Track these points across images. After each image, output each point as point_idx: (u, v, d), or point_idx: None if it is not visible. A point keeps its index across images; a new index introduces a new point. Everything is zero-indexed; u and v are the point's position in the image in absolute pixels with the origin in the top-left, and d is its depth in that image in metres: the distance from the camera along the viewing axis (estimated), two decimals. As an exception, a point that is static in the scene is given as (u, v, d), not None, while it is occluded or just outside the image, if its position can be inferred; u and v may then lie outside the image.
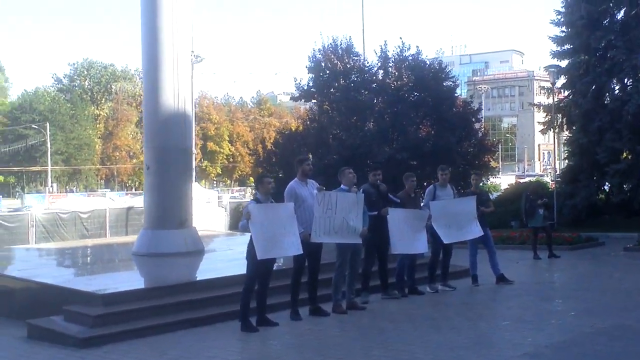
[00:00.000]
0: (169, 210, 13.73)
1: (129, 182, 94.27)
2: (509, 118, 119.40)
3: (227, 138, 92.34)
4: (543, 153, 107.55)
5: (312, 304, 10.02)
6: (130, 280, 10.49)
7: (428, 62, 26.68)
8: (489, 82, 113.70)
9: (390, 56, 26.54)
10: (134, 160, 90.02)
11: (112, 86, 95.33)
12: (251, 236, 8.93)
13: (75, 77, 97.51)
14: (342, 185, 10.36)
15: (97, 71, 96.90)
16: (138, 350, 8.23)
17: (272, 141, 29.78)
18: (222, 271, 11.41)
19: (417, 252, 11.44)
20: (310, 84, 27.00)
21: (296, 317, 9.68)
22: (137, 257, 13.47)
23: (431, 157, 23.28)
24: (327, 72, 26.40)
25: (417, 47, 26.53)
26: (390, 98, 25.25)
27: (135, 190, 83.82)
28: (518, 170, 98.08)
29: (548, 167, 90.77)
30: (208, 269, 12.57)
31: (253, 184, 10.63)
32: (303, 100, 28.65)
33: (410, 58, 26.08)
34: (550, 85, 27.52)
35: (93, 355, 8.06)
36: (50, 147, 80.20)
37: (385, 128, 24.73)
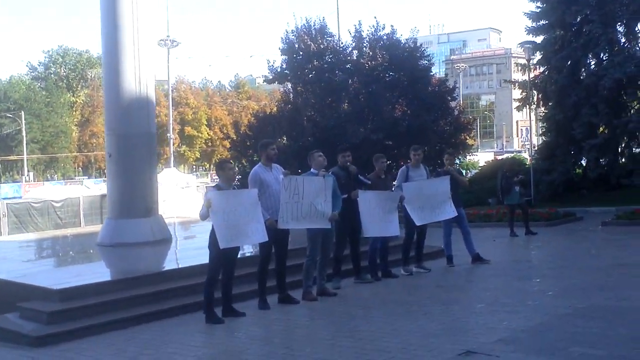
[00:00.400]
0: (133, 198, 13.23)
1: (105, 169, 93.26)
2: (487, 96, 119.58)
3: (205, 122, 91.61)
4: (521, 129, 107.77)
5: (281, 292, 9.66)
6: (91, 273, 10.06)
7: (403, 42, 26.26)
8: (467, 61, 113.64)
9: (364, 36, 26.11)
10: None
11: (88, 73, 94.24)
12: (212, 225, 8.55)
13: (51, 64, 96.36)
14: (312, 169, 9.99)
15: (73, 58, 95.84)
16: (96, 347, 7.82)
17: (246, 124, 29.31)
18: (188, 260, 10.98)
19: (389, 234, 11.10)
20: (284, 66, 26.52)
21: (264, 306, 9.32)
22: (101, 248, 13.02)
23: (407, 137, 22.96)
24: (301, 53, 25.93)
25: (392, 26, 26.16)
26: (365, 78, 24.88)
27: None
28: (497, 147, 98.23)
29: (527, 143, 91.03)
30: (174, 259, 12.20)
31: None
32: (277, 82, 28.17)
33: (384, 37, 25.66)
34: (526, 62, 27.23)
35: (47, 355, 7.66)
36: (26, 136, 79.46)
37: (360, 109, 24.38)
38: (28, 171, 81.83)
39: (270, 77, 26.98)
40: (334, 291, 10.10)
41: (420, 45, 26.49)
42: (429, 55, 26.71)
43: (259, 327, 8.53)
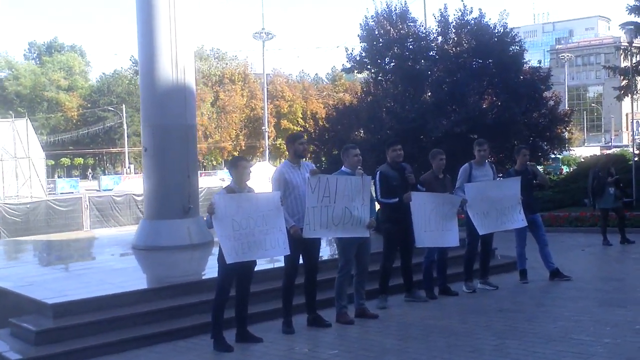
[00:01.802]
0: (168, 197, 12.02)
1: (205, 162, 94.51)
2: (595, 87, 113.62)
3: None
4: (631, 122, 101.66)
5: (310, 313, 8.24)
6: (100, 282, 8.91)
7: (492, 26, 24.19)
8: (573, 51, 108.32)
9: (450, 21, 24.20)
10: (209, 140, 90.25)
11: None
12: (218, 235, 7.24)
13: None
14: (343, 167, 8.52)
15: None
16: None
17: (324, 117, 27.96)
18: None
19: (446, 245, 9.52)
20: (363, 54, 24.97)
21: (288, 330, 7.95)
22: (135, 250, 11.95)
23: (494, 130, 20.96)
24: (381, 40, 24.29)
25: (480, 10, 24.06)
26: (449, 66, 23.00)
27: (209, 170, 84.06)
28: (604, 141, 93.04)
29: (637, 136, 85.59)
30: (204, 267, 10.84)
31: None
32: (356, 71, 26.65)
33: (472, 22, 23.70)
34: (627, 45, 24.51)
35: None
36: (128, 129, 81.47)
37: (443, 99, 22.51)
38: (129, 163, 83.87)
39: (349, 66, 25.48)
40: (375, 313, 8.59)
41: (511, 30, 24.30)
42: (520, 40, 24.43)
43: (277, 358, 7.14)
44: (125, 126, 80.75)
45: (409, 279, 9.43)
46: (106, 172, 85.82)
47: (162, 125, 12.15)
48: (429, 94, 23.40)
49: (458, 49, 23.24)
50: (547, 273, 10.62)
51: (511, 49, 23.90)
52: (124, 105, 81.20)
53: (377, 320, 8.36)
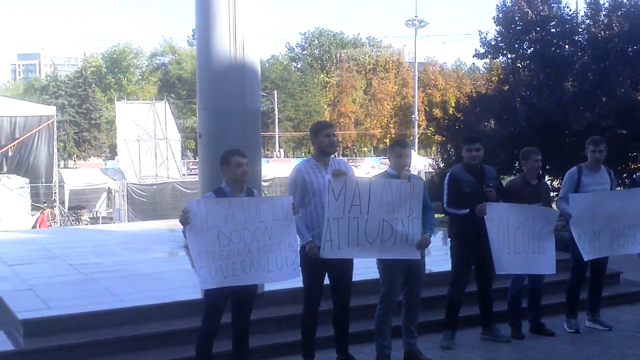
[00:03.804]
0: None
1: (354, 148, 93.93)
2: None
3: (452, 105, 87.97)
4: None
5: (341, 353, 6.47)
6: (104, 294, 7.55)
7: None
8: None
9: (602, 2, 21.18)
10: (360, 127, 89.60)
11: (341, 54, 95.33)
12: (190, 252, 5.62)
13: (307, 45, 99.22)
14: (388, 169, 6.63)
15: (327, 39, 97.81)
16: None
17: (454, 105, 25.69)
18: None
19: (538, 272, 7.41)
20: (499, 38, 22.46)
21: (310, 375, 6.26)
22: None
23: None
24: (520, 23, 21.72)
25: (638, -13, 20.86)
26: (596, 52, 20.07)
27: (356, 157, 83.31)
28: None
29: None
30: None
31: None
32: (489, 57, 24.12)
33: (625, 2, 20.59)
34: None
35: None
36: (280, 114, 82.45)
37: (588, 89, 19.65)
38: (279, 148, 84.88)
39: (482, 52, 23.02)
40: (429, 357, 6.67)
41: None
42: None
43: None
44: (276, 111, 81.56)
45: (487, 311, 7.43)
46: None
47: (217, 109, 10.62)
48: (571, 82, 20.58)
49: (607, 32, 20.23)
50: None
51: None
52: (276, 91, 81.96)
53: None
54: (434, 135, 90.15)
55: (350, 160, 71.28)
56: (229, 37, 10.36)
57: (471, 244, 7.03)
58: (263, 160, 62.99)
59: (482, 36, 22.68)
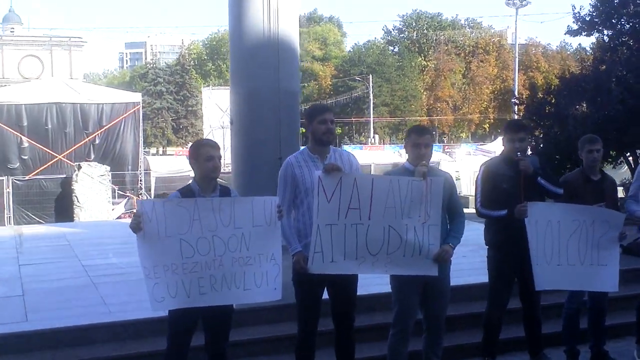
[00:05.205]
0: (256, 183, 9.24)
1: (451, 134, 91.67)
2: None
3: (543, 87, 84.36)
4: None
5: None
6: (98, 303, 6.79)
7: None
8: None
9: None
10: (458, 112, 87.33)
11: (439, 36, 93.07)
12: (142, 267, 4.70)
13: (404, 28, 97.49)
14: (405, 162, 5.49)
15: (425, 22, 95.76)
16: None
17: (543, 87, 23.79)
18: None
19: (596, 289, 6.10)
20: (594, 13, 20.57)
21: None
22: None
23: None
24: (618, -5, 19.84)
25: None
26: None
27: (453, 142, 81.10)
28: None
29: None
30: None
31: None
32: (584, 34, 22.18)
33: None
34: None
35: None
36: (375, 99, 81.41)
37: (694, 68, 17.66)
38: (374, 134, 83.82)
39: (575, 28, 21.16)
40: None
41: None
42: None
43: None
44: (371, 96, 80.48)
45: (534, 334, 6.16)
46: (353, 141, 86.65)
47: (248, 91, 9.60)
48: (675, 60, 18.57)
49: None
50: None
51: None
52: (371, 75, 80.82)
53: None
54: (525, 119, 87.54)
55: (446, 147, 69.22)
56: (262, 7, 9.32)
57: (512, 253, 5.83)
58: (356, 147, 62.14)
59: (576, 12, 20.88)
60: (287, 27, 9.61)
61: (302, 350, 5.24)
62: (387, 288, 5.55)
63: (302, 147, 5.51)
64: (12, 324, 6.33)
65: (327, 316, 5.26)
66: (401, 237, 5.04)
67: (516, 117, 72.24)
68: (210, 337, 4.93)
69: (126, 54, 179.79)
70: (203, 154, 4.84)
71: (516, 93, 65.87)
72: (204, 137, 35.20)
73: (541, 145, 20.26)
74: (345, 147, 68.19)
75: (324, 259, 4.93)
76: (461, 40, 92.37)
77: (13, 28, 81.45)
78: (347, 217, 4.97)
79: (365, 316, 5.70)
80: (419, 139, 5.32)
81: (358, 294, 5.34)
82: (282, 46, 9.53)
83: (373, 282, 6.15)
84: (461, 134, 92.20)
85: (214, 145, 4.91)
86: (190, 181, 4.96)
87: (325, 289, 5.20)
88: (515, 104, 65.95)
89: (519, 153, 5.78)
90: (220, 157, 4.86)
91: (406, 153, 5.44)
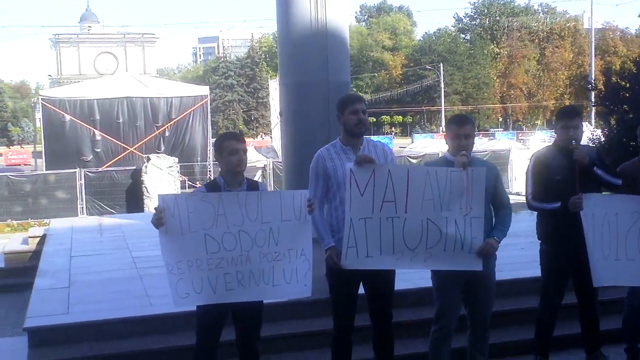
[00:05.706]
0: (307, 178, 8.99)
1: (525, 121, 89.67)
2: None
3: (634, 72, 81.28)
4: None
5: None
6: (98, 301, 6.71)
7: None
8: None
9: None
10: (532, 99, 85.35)
11: (512, 22, 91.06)
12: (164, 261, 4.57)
13: (476, 16, 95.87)
14: (446, 153, 5.22)
15: (498, 8, 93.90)
16: None
17: (617, 72, 22.84)
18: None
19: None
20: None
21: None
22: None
23: None
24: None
25: None
26: None
27: (527, 130, 79.20)
28: None
29: None
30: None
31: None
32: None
33: None
34: None
35: None
36: (447, 87, 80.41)
37: None
38: (444, 123, 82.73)
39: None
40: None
41: None
42: None
43: None
44: (442, 84, 79.43)
45: (591, 332, 5.79)
46: (424, 130, 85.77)
47: (296, 83, 9.37)
48: None
49: None
50: None
51: None
52: (441, 64, 79.74)
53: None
54: (595, 106, 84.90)
55: (520, 134, 67.60)
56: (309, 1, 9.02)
57: (566, 247, 5.49)
58: (427, 135, 61.31)
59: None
60: (335, 17, 9.29)
61: (337, 346, 5.06)
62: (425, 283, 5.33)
63: (334, 141, 5.28)
64: (53, 315, 6.38)
65: (365, 311, 5.07)
66: (441, 230, 4.77)
67: (593, 103, 69.67)
68: (241, 333, 4.80)
69: (199, 48, 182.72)
70: (227, 148, 4.66)
71: (592, 79, 64.04)
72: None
73: (615, 132, 19.51)
74: (416, 136, 67.37)
75: (359, 254, 4.71)
76: (535, 26, 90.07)
77: (90, 26, 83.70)
78: (382, 211, 4.71)
79: (411, 311, 5.47)
80: (459, 130, 4.98)
81: (405, 288, 5.14)
82: (331, 36, 9.23)
83: (419, 276, 5.90)
84: (536, 121, 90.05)
85: (239, 139, 4.75)
86: (218, 176, 4.84)
87: (361, 284, 5.02)
88: (589, 89, 64.04)
89: (573, 141, 5.43)
90: (245, 151, 4.69)
91: (446, 144, 5.18)
